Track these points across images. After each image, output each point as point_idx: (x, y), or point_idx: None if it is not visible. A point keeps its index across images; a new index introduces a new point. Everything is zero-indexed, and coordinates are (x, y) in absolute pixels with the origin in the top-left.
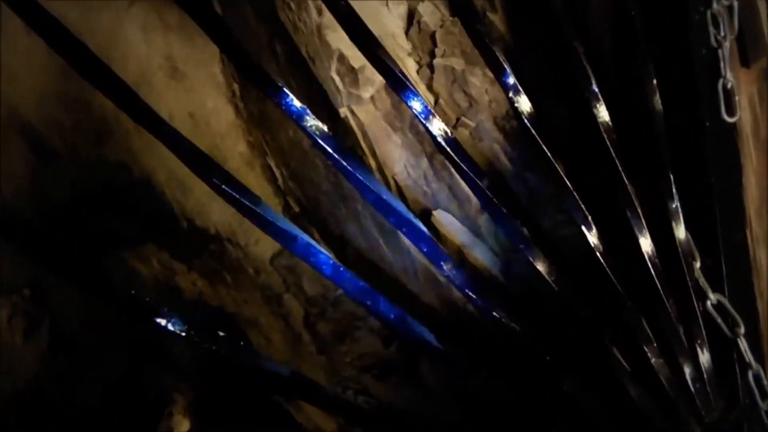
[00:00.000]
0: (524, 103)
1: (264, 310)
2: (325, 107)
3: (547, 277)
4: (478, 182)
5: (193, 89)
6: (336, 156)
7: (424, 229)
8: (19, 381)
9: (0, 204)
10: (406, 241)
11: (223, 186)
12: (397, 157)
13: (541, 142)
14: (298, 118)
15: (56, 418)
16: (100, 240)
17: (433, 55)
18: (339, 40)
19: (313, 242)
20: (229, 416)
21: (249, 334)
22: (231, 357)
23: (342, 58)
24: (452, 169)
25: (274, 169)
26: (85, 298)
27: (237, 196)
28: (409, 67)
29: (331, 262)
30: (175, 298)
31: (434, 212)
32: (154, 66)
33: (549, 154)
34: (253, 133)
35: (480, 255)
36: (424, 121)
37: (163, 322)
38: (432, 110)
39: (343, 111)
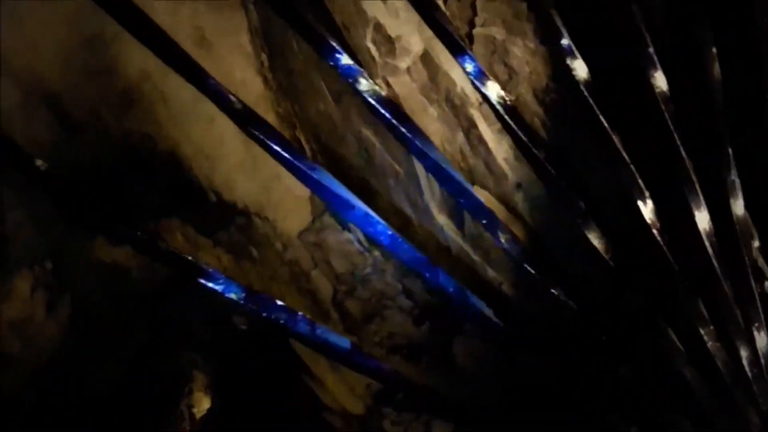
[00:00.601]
0: (580, 69)
1: (291, 287)
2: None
3: (603, 253)
4: (535, 151)
5: (222, 59)
6: (394, 121)
7: (481, 199)
8: (41, 354)
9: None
10: (440, 219)
11: (274, 145)
12: (433, 131)
13: (597, 111)
14: (353, 82)
15: (78, 392)
16: (125, 210)
17: (472, 25)
18: (375, 8)
19: (371, 211)
20: (251, 395)
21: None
22: (288, 327)
23: (378, 27)
24: (489, 144)
25: (303, 142)
26: (106, 272)
27: (292, 159)
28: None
29: (389, 232)
30: (199, 274)
31: (471, 188)
32: (181, 35)
33: (605, 123)
34: (282, 105)
35: (516, 233)
36: (479, 85)
37: (219, 287)
38: (486, 73)
39: (378, 82)
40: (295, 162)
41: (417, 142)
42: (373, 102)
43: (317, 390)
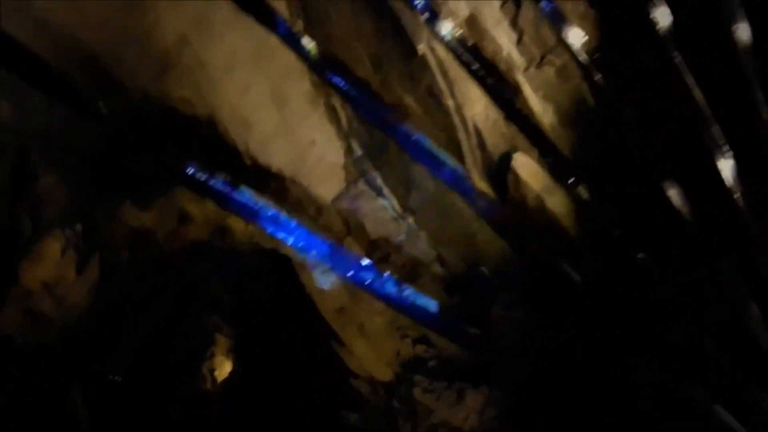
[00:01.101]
0: (664, 16)
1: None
2: (402, 43)
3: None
4: None
5: (257, 26)
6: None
7: None
8: (71, 314)
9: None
10: (481, 184)
11: None
12: (476, 97)
13: (681, 63)
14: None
15: (105, 351)
16: (159, 174)
17: None
18: None
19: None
20: (275, 360)
21: (302, 277)
22: (375, 287)
23: None
24: (534, 108)
25: (339, 109)
26: (133, 235)
27: None
28: (492, 3)
29: None
30: (226, 239)
31: (514, 155)
32: (217, 1)
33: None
34: (318, 73)
35: (557, 203)
36: None
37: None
38: None
39: (422, 48)
40: None
41: None
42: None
43: (344, 356)
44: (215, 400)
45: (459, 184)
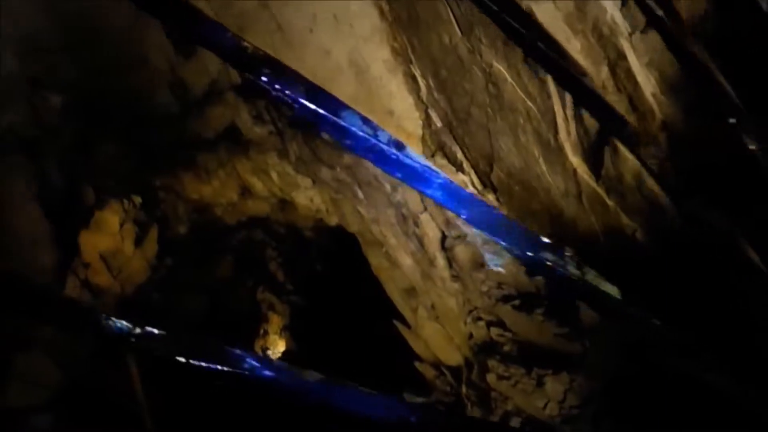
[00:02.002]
0: None
1: (396, 230)
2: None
3: None
4: None
5: None
6: None
7: None
8: (128, 286)
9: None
10: (573, 161)
11: None
12: (573, 65)
13: None
14: None
15: (161, 323)
16: (229, 136)
17: None
18: None
19: None
20: (332, 341)
21: (369, 255)
22: (557, 270)
23: None
24: (637, 78)
25: (419, 78)
26: (192, 208)
27: None
28: None
29: None
30: (287, 213)
31: None
32: None
33: None
34: (399, 39)
35: (656, 181)
36: None
37: None
38: None
39: (526, 4)
40: None
41: None
42: None
43: (410, 339)
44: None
45: (547, 154)
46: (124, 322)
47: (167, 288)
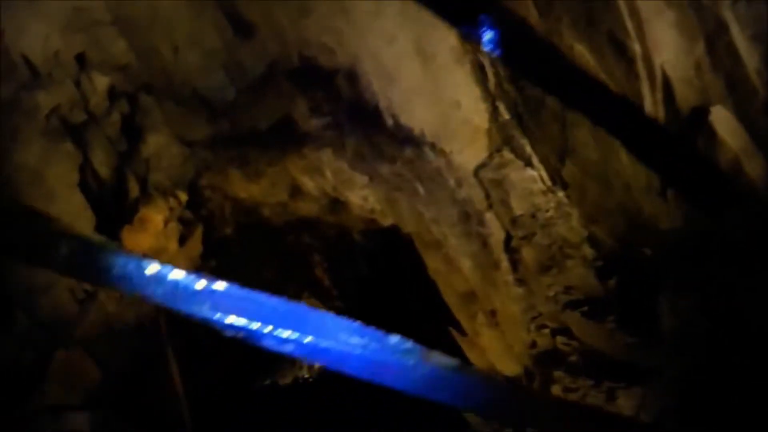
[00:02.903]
0: None
1: (457, 230)
2: None
3: None
4: None
5: None
6: None
7: None
8: None
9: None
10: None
11: None
12: (668, 41)
13: None
14: None
15: (202, 327)
16: (283, 129)
17: None
18: None
19: None
20: None
21: (426, 257)
22: None
23: None
24: (740, 52)
25: (487, 67)
26: (239, 207)
27: None
28: None
29: None
30: (337, 213)
31: (712, 109)
32: None
33: None
34: None
35: (757, 167)
36: None
37: None
38: None
39: None
40: None
41: None
42: None
43: (465, 347)
44: (311, 387)
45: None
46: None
47: None
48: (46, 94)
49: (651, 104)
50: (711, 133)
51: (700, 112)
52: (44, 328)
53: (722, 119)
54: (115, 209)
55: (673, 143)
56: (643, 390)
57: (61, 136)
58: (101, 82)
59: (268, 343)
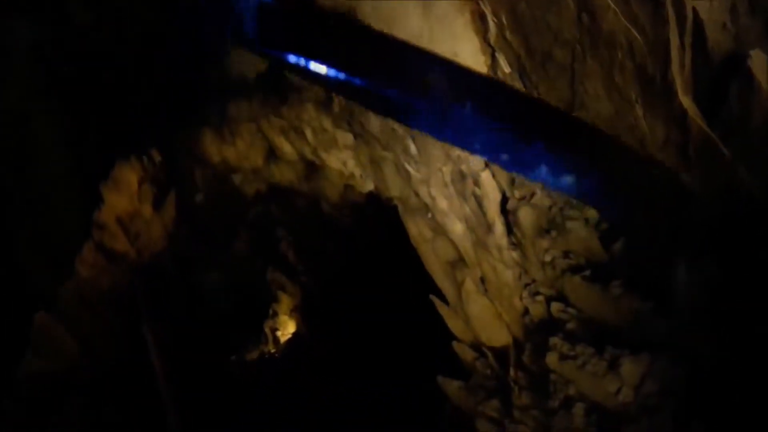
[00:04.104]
0: None
1: (449, 191)
2: None
3: None
4: None
5: None
6: None
7: None
8: (145, 252)
9: None
10: (684, 101)
11: None
12: None
13: None
14: None
15: (176, 294)
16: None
17: None
18: None
19: None
20: (356, 322)
21: (409, 224)
22: None
23: None
24: None
25: (489, 16)
26: (213, 172)
27: None
28: None
29: None
30: (313, 180)
31: (752, 53)
32: None
33: None
34: None
35: None
36: None
37: None
38: None
39: None
40: None
41: None
42: None
43: (448, 317)
44: (277, 362)
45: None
46: None
47: (183, 257)
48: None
49: (677, 49)
50: (748, 80)
51: (735, 58)
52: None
53: (762, 64)
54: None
55: (702, 92)
56: (650, 357)
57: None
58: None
59: None
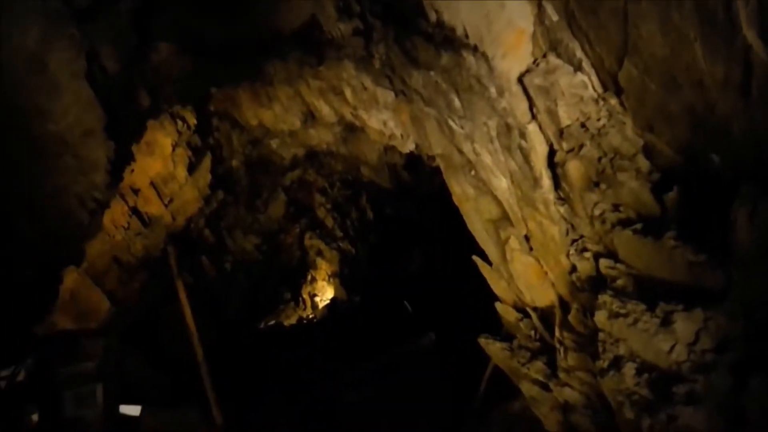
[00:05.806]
0: None
1: (494, 145)
2: None
3: None
4: None
5: None
6: None
7: None
8: (179, 217)
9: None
10: (749, 33)
11: None
12: None
13: None
14: None
15: (211, 258)
16: (305, 38)
17: None
18: None
19: None
20: (394, 286)
21: (452, 182)
22: None
23: None
24: None
25: None
26: (250, 136)
27: None
28: None
29: None
30: (352, 143)
31: None
32: None
33: None
34: None
35: None
36: None
37: None
38: None
39: None
40: None
41: None
42: None
43: (490, 278)
44: (316, 326)
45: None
46: None
47: (218, 222)
48: None
49: None
50: None
51: None
52: (51, 238)
53: None
54: (123, 114)
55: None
56: (705, 313)
57: (65, 19)
58: None
59: None
